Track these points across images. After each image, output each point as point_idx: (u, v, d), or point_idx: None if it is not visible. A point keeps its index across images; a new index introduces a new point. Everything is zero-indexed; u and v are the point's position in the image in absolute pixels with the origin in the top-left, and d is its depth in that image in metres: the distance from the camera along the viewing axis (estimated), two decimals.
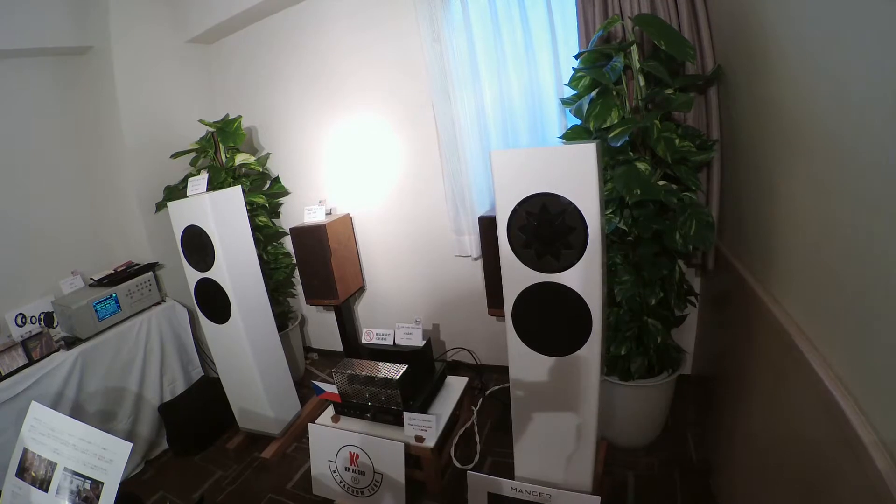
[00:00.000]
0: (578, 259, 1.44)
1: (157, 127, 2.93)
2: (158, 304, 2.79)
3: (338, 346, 3.15)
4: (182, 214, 2.25)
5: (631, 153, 1.80)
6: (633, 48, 1.71)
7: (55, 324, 2.49)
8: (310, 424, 2.13)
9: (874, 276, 0.84)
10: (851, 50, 0.89)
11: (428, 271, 2.97)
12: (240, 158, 2.88)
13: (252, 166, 2.96)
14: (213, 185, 2.59)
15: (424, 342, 2.32)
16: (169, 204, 2.30)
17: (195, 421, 2.60)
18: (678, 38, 1.62)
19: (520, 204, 1.48)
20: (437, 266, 2.91)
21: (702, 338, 2.33)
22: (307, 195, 3.20)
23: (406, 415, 2.03)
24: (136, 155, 2.81)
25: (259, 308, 2.41)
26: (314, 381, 2.27)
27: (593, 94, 1.77)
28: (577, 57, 1.92)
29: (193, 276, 2.32)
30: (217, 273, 2.24)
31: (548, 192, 1.43)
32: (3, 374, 2.11)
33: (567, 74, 2.04)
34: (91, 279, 2.71)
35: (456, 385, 2.40)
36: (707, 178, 1.96)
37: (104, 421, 2.38)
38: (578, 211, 1.40)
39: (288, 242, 3.15)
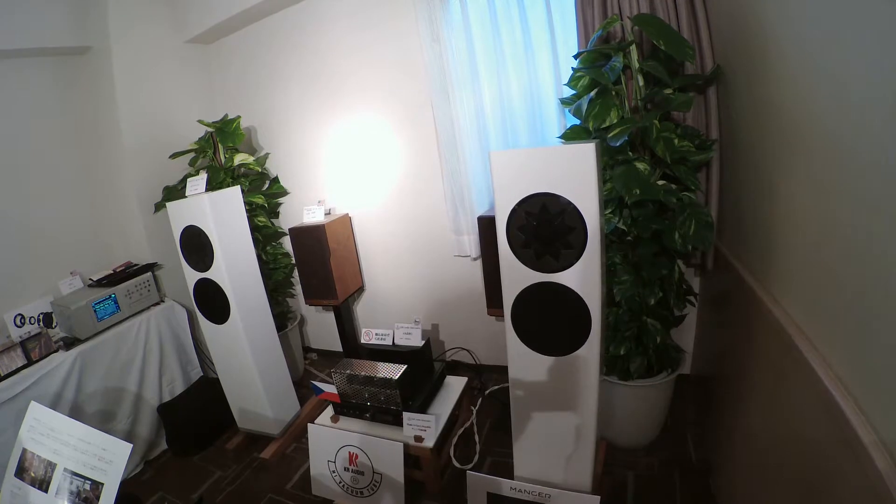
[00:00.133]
0: (578, 259, 1.44)
1: (157, 127, 2.92)
2: (157, 304, 2.78)
3: (337, 346, 3.15)
4: (181, 215, 2.25)
5: (630, 153, 1.80)
6: (633, 48, 1.71)
7: (54, 324, 2.49)
8: (309, 424, 2.13)
9: (874, 276, 0.84)
10: (851, 50, 0.89)
11: (427, 271, 2.97)
12: (239, 158, 2.88)
13: (251, 166, 2.96)
14: (211, 186, 2.59)
15: (424, 342, 2.32)
16: (168, 204, 2.30)
17: (194, 421, 2.60)
18: (677, 38, 1.62)
19: (519, 204, 1.48)
20: (436, 266, 2.91)
21: (701, 337, 2.33)
22: (306, 195, 3.19)
23: (405, 415, 2.03)
24: (135, 155, 2.81)
25: (258, 308, 2.41)
26: (313, 382, 2.27)
27: (592, 93, 1.77)
28: (576, 57, 1.92)
29: (192, 276, 2.32)
30: (216, 273, 2.23)
31: (547, 192, 1.43)
32: (2, 374, 2.10)
33: (566, 74, 2.05)
34: (90, 279, 2.71)
35: (455, 385, 2.40)
36: (706, 178, 1.96)
37: (103, 421, 2.38)
38: (578, 211, 1.40)
39: (287, 242, 3.15)
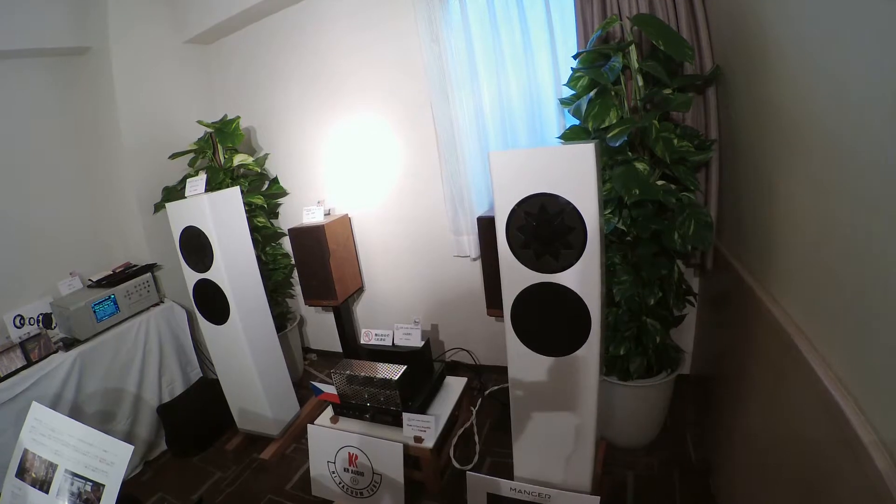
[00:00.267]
0: (577, 259, 1.44)
1: (157, 127, 2.92)
2: (157, 305, 2.78)
3: (336, 346, 3.14)
4: (180, 215, 2.25)
5: (629, 153, 1.80)
6: (632, 48, 1.71)
7: (53, 325, 2.49)
8: (309, 425, 2.13)
9: (873, 276, 0.84)
10: (850, 50, 0.89)
11: (427, 272, 2.97)
12: (238, 159, 2.88)
13: (250, 167, 2.96)
14: (211, 186, 2.59)
15: (423, 343, 2.32)
16: (167, 205, 2.30)
17: (194, 422, 2.60)
18: (676, 38, 1.62)
19: (518, 204, 1.48)
20: (435, 266, 2.91)
21: (701, 338, 2.33)
22: (306, 196, 3.19)
23: (405, 415, 2.03)
24: (135, 155, 2.80)
25: (258, 309, 2.41)
26: (313, 382, 2.27)
27: (592, 94, 1.77)
28: (575, 57, 1.92)
29: (192, 276, 2.32)
30: (215, 274, 2.23)
31: (546, 192, 1.43)
32: (2, 375, 2.10)
33: (565, 74, 2.04)
34: (89, 280, 2.70)
35: (455, 385, 2.40)
36: (705, 178, 1.96)
37: (103, 422, 2.37)
38: (577, 211, 1.40)
39: (286, 243, 3.15)
